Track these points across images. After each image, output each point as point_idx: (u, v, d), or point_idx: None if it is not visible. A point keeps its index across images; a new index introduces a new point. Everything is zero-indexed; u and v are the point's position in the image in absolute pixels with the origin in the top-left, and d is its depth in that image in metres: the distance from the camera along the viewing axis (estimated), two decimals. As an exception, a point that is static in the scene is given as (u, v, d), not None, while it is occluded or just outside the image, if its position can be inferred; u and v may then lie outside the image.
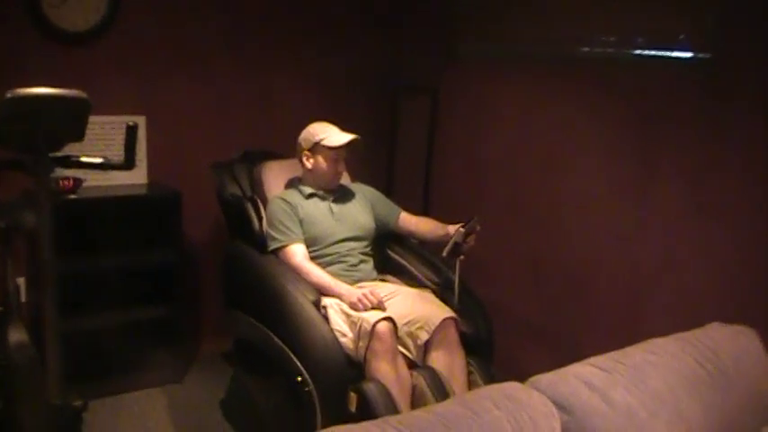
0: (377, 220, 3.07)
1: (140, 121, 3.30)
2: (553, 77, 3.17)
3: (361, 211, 3.06)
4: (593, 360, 1.72)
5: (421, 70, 3.90)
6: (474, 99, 3.59)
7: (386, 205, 3.14)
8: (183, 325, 3.45)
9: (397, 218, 3.10)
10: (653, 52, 2.74)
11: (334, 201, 3.01)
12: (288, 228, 2.84)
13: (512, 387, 1.57)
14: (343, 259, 2.90)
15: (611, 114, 2.92)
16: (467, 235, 2.70)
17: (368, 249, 3.03)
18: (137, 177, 3.39)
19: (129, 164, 2.26)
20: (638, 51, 2.79)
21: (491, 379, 2.58)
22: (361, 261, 2.96)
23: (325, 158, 2.94)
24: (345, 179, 3.18)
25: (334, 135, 2.95)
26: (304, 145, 2.98)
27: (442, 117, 3.78)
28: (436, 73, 3.77)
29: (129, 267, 3.33)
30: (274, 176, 3.15)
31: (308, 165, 2.97)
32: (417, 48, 3.92)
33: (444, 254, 2.70)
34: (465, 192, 3.66)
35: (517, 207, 3.37)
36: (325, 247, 2.90)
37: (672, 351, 1.79)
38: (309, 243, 2.88)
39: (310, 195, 2.97)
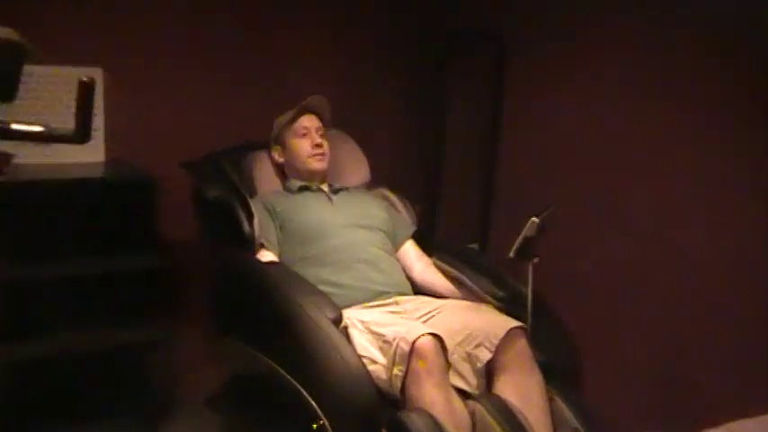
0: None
1: (96, 74, 3.19)
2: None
3: (372, 204, 3.14)
4: (734, 426, 1.71)
5: (478, 10, 3.77)
6: (555, 52, 3.44)
7: (399, 218, 3.18)
8: (154, 358, 3.32)
9: (402, 241, 3.09)
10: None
11: (334, 192, 3.11)
12: (263, 230, 2.92)
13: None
14: (360, 256, 2.85)
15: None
16: (542, 229, 2.55)
17: (392, 250, 3.01)
18: (91, 154, 3.28)
19: (81, 135, 2.06)
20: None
21: (583, 412, 2.48)
22: (386, 265, 2.90)
23: (294, 137, 3.11)
24: (360, 178, 3.31)
25: (292, 112, 3.17)
26: (272, 144, 3.19)
27: (511, 78, 3.65)
28: (500, 14, 3.65)
29: (83, 278, 3.16)
30: (268, 170, 3.22)
31: (282, 158, 3.16)
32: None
33: (511, 254, 2.56)
34: (542, 181, 3.55)
35: (614, 202, 3.26)
36: (328, 237, 2.88)
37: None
38: (305, 238, 2.90)
39: (301, 189, 3.08)
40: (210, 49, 3.56)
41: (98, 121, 3.27)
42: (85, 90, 2.02)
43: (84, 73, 2.06)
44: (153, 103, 3.46)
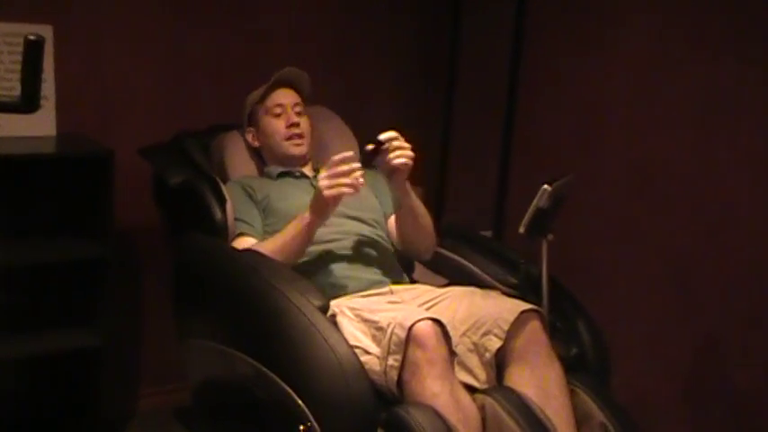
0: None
1: (45, 32, 3.14)
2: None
3: (363, 189, 3.12)
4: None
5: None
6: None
7: (386, 194, 3.15)
8: (109, 365, 3.22)
9: (389, 215, 3.11)
10: None
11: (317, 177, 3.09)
12: (243, 214, 2.95)
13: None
14: (349, 245, 2.88)
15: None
16: (557, 200, 2.55)
17: (385, 238, 3.03)
18: (39, 126, 3.23)
19: (28, 103, 2.09)
20: None
21: (612, 406, 2.48)
22: (379, 253, 2.92)
23: (267, 115, 3.12)
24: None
25: (264, 87, 3.17)
26: (245, 125, 3.21)
27: (534, 29, 3.63)
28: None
29: (24, 268, 3.19)
30: (242, 153, 3.23)
31: (257, 142, 3.18)
32: None
33: (522, 229, 2.58)
34: (566, 151, 3.51)
35: (653, 179, 3.22)
36: None
37: None
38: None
39: (281, 175, 3.09)
40: (180, 4, 3.50)
41: (48, 88, 3.21)
42: (33, 50, 2.00)
43: (31, 30, 2.02)
44: (112, 67, 3.39)
